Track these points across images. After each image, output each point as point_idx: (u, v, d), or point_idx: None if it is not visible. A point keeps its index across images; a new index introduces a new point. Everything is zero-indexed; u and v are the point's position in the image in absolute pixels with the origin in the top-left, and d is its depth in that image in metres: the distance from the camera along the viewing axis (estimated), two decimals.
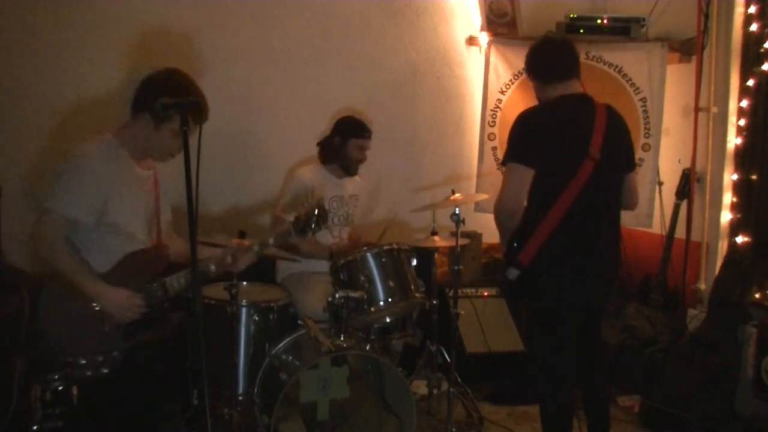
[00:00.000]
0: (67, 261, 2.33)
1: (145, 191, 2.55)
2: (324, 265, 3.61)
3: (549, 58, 2.81)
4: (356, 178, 3.86)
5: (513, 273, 2.67)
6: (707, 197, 4.02)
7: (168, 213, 2.76)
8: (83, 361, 2.33)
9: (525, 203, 2.65)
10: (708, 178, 4.01)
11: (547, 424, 2.88)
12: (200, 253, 2.64)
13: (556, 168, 2.64)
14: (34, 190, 3.62)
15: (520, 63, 4.44)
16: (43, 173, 3.82)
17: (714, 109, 3.97)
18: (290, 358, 3.08)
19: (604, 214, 2.74)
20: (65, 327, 2.37)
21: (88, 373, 2.33)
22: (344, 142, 3.69)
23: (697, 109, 4.06)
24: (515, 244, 2.70)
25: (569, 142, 2.67)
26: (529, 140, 2.67)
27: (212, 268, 2.57)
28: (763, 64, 3.69)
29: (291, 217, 2.70)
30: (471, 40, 4.64)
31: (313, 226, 2.61)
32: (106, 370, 2.35)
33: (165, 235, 2.67)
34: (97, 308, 2.36)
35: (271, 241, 2.67)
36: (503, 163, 2.74)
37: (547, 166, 2.63)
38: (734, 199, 3.89)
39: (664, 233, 4.21)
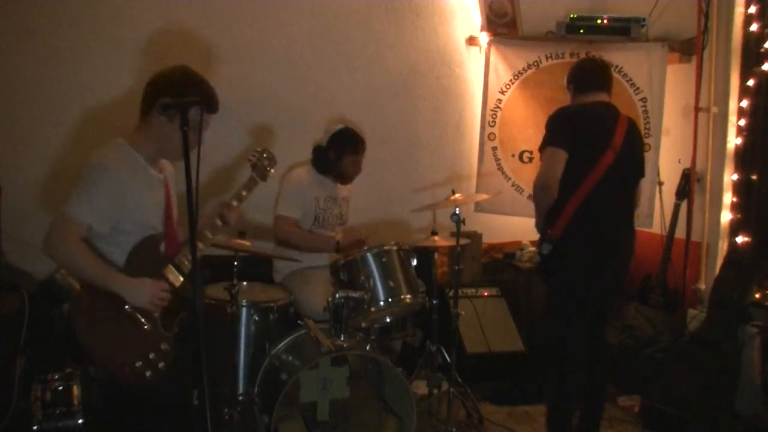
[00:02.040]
0: (86, 261, 2.27)
1: (158, 192, 2.51)
2: (323, 259, 3.62)
3: (588, 73, 3.22)
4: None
5: (546, 247, 3.06)
6: (707, 197, 4.03)
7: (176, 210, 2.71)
8: (139, 363, 2.26)
9: (558, 181, 2.98)
10: (708, 178, 4.01)
11: (553, 404, 3.17)
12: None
13: (582, 155, 2.99)
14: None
15: (520, 63, 4.46)
16: (50, 177, 3.83)
17: (714, 109, 3.97)
18: (290, 358, 3.08)
19: (619, 202, 3.10)
20: (107, 340, 2.29)
21: (148, 374, 2.26)
22: (339, 157, 3.70)
23: (697, 109, 4.06)
24: (549, 222, 3.06)
25: (595, 133, 3.05)
26: (562, 128, 3.05)
27: (208, 234, 2.55)
28: (763, 64, 3.69)
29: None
30: (471, 40, 4.64)
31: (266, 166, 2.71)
32: (162, 364, 2.30)
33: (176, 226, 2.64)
34: (128, 308, 2.30)
35: (243, 193, 2.65)
36: (541, 150, 3.07)
37: (575, 152, 2.97)
38: (734, 199, 3.89)
39: (664, 233, 4.21)
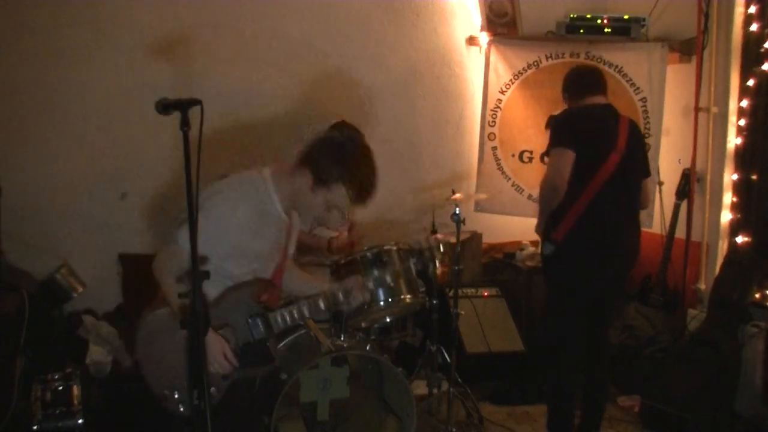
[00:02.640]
0: (172, 292, 2.13)
1: (279, 237, 2.37)
2: (324, 257, 3.63)
3: (581, 77, 3.25)
4: None
5: (548, 248, 3.06)
6: (707, 197, 4.02)
7: (292, 246, 2.54)
8: (176, 395, 2.16)
9: (567, 181, 2.98)
10: (708, 178, 4.01)
11: (553, 405, 3.18)
12: (308, 285, 2.47)
13: (587, 157, 2.99)
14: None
15: (520, 63, 4.46)
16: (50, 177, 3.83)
17: (714, 109, 3.96)
18: (290, 358, 3.08)
19: (625, 204, 3.11)
20: (160, 360, 2.20)
21: (182, 408, 2.17)
22: None
23: (697, 109, 4.06)
24: (552, 223, 3.06)
25: (599, 135, 3.06)
26: (567, 130, 3.07)
27: (321, 304, 2.34)
28: (763, 64, 3.69)
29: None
30: (471, 40, 4.64)
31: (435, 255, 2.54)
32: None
33: (286, 270, 2.50)
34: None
35: (388, 278, 2.54)
36: (547, 153, 3.12)
37: (581, 154, 2.98)
38: (734, 199, 3.89)
39: (664, 233, 4.20)
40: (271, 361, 2.27)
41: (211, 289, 2.19)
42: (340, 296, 2.35)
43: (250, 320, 2.22)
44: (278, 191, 2.26)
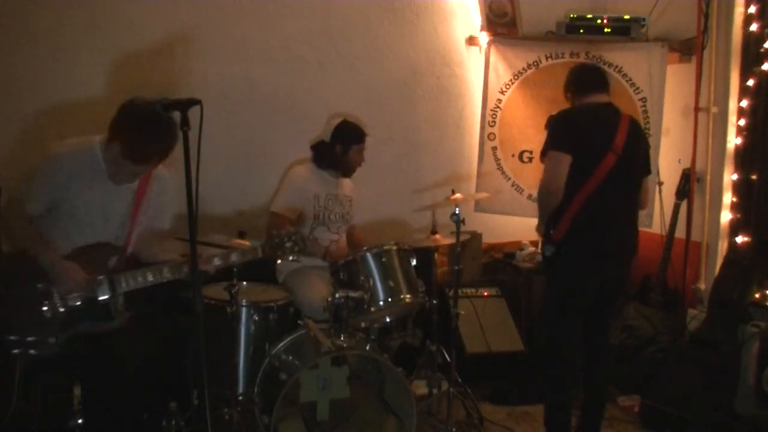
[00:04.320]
0: (25, 232, 2.55)
1: (117, 196, 2.65)
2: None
3: (584, 75, 3.26)
4: (349, 179, 3.88)
5: (549, 249, 3.07)
6: (707, 197, 4.03)
7: (159, 222, 2.84)
8: (13, 338, 2.40)
9: (563, 185, 3.00)
10: (708, 178, 4.01)
11: (550, 403, 3.19)
12: (164, 254, 2.72)
13: (583, 158, 3.01)
14: None
15: (520, 63, 4.46)
16: None
17: (714, 109, 3.97)
18: (290, 358, 3.08)
19: (622, 204, 3.11)
20: (8, 306, 2.45)
21: (15, 351, 2.43)
22: (346, 150, 3.73)
23: (697, 109, 4.07)
24: (551, 224, 3.08)
25: (596, 136, 3.07)
26: (564, 132, 3.08)
27: (166, 272, 2.57)
28: (763, 64, 3.69)
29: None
30: (471, 40, 4.64)
31: (285, 249, 2.72)
32: (33, 352, 2.42)
33: (141, 241, 2.76)
34: (40, 287, 2.43)
35: (259, 252, 2.74)
36: (543, 153, 3.09)
37: (578, 155, 3.00)
38: (734, 199, 3.89)
39: (664, 233, 4.21)
40: (110, 319, 2.53)
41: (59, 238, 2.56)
42: (184, 267, 2.54)
43: (96, 277, 2.47)
44: (106, 158, 2.59)
